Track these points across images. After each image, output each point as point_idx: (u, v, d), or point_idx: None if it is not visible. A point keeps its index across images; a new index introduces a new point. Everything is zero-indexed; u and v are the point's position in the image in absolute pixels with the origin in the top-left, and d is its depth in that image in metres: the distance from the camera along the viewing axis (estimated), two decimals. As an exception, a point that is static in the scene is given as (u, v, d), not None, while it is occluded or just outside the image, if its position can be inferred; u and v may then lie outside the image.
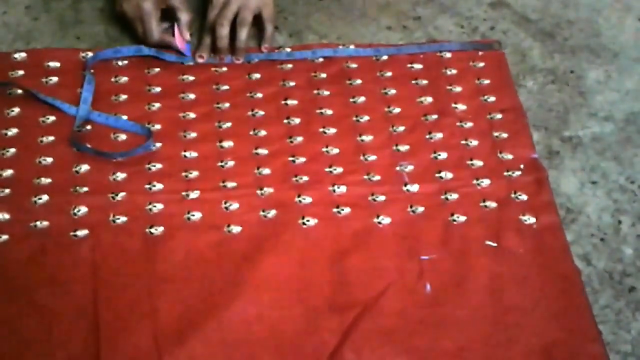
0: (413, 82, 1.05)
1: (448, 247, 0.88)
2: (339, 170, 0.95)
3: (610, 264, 0.90)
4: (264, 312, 0.82)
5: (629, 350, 0.83)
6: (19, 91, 0.99)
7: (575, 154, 1.00)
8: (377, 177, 0.94)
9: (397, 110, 1.02)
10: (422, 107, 1.03)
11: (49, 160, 0.93)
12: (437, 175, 0.95)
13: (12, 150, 0.94)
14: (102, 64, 1.03)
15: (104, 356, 0.78)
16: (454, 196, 0.93)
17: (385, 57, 1.08)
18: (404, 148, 0.98)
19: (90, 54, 1.04)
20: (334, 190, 0.93)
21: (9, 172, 0.91)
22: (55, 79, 1.01)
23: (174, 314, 0.81)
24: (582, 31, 1.16)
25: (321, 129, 0.99)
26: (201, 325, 0.80)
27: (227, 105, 1.01)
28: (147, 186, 0.91)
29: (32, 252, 0.85)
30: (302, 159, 0.95)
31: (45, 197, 0.89)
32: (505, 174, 0.96)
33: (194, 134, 0.97)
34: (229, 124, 0.98)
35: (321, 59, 1.07)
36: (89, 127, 0.97)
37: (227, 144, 0.96)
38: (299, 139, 0.98)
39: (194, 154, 0.95)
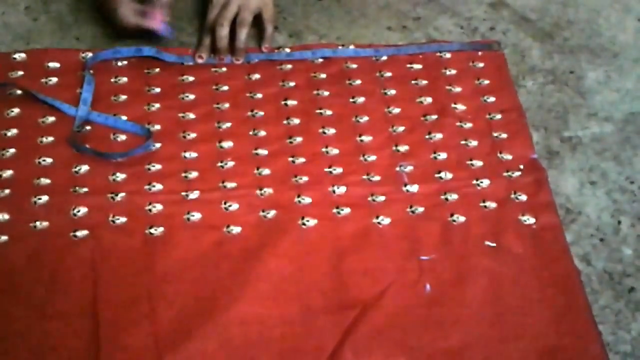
0: (413, 82, 1.05)
1: (448, 248, 0.88)
2: (339, 170, 0.95)
3: (610, 265, 0.90)
4: (263, 312, 0.82)
5: (628, 350, 0.83)
6: (19, 92, 0.99)
7: (574, 154, 1.00)
8: (376, 178, 0.94)
9: (396, 110, 1.02)
10: (422, 107, 1.03)
11: (49, 160, 0.93)
12: (436, 175, 0.95)
13: (12, 150, 0.94)
14: (101, 65, 1.03)
15: (104, 356, 0.78)
16: (453, 196, 0.93)
17: (384, 58, 1.08)
18: (403, 148, 0.98)
19: (89, 54, 1.04)
20: (334, 191, 0.93)
21: (8, 173, 0.91)
22: (54, 79, 1.01)
23: (174, 314, 0.81)
24: (582, 31, 1.16)
25: (321, 130, 0.99)
26: (201, 325, 0.80)
27: (226, 105, 1.01)
28: (147, 187, 0.91)
29: (32, 252, 0.85)
30: (301, 160, 0.96)
31: (45, 198, 0.89)
32: (505, 174, 0.96)
33: (193, 135, 0.97)
34: (228, 125, 0.99)
35: (321, 60, 1.07)
36: (88, 127, 0.97)
37: (227, 144, 0.96)
38: (299, 139, 0.98)
39: (194, 155, 0.95)
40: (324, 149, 0.97)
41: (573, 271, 0.88)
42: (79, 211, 0.88)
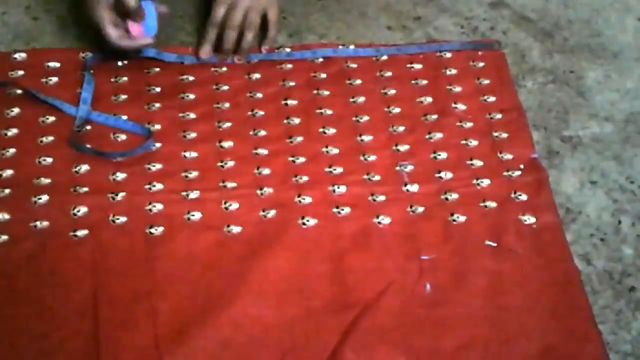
0: (413, 82, 1.05)
1: (448, 247, 0.88)
2: (339, 170, 0.95)
3: (610, 264, 0.90)
4: (263, 312, 0.82)
5: (628, 350, 0.83)
6: (19, 91, 0.99)
7: (575, 154, 1.00)
8: (377, 177, 0.94)
9: (397, 110, 1.02)
10: (422, 107, 1.03)
11: (49, 160, 0.93)
12: (437, 175, 0.95)
13: (12, 150, 0.94)
14: (102, 64, 1.03)
15: (104, 355, 0.78)
16: (453, 196, 0.93)
17: (385, 57, 1.08)
18: (403, 148, 0.98)
19: (90, 54, 1.04)
20: (334, 190, 0.93)
21: (8, 172, 0.91)
22: (55, 79, 1.01)
23: (174, 314, 0.81)
24: (582, 31, 1.16)
25: (321, 129, 0.99)
26: (201, 325, 0.80)
27: (227, 105, 1.01)
28: (147, 186, 0.91)
29: (32, 252, 0.85)
30: (302, 159, 0.95)
31: (45, 197, 0.89)
32: (505, 173, 0.96)
33: (193, 134, 0.97)
34: (228, 124, 0.99)
35: (321, 59, 1.07)
36: (88, 127, 0.97)
37: (227, 144, 0.96)
38: (299, 139, 0.98)
39: (194, 154, 0.95)
40: (324, 149, 0.97)
41: (573, 271, 0.88)
42: (79, 211, 0.88)
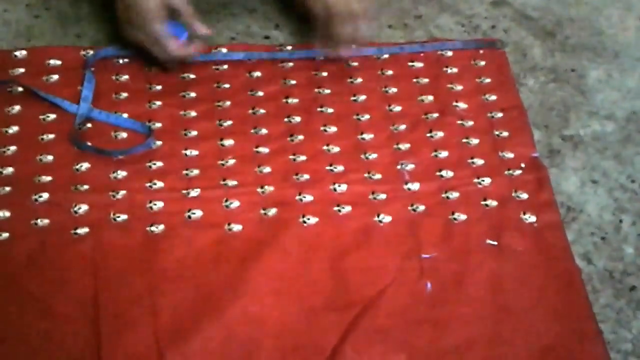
0: (414, 80, 1.05)
1: (449, 246, 0.88)
2: (340, 168, 0.95)
3: (611, 263, 0.90)
4: (264, 310, 0.82)
5: (629, 349, 0.83)
6: (20, 89, 0.99)
7: (576, 153, 1.00)
8: (377, 176, 0.94)
9: (397, 108, 1.02)
10: (423, 105, 1.03)
11: (50, 158, 0.93)
12: (437, 173, 0.95)
13: (13, 148, 0.93)
14: (102, 62, 1.03)
15: (105, 354, 0.78)
16: (454, 195, 0.93)
17: (386, 56, 1.08)
18: (404, 146, 0.98)
19: (91, 52, 1.04)
20: (335, 189, 0.93)
21: (9, 170, 0.91)
22: (56, 76, 1.01)
23: (175, 312, 0.81)
24: (583, 30, 1.16)
25: (322, 128, 0.99)
26: (201, 323, 0.80)
27: (228, 103, 1.00)
28: (148, 184, 0.91)
29: (33, 250, 0.85)
30: (302, 158, 0.95)
31: (45, 195, 0.89)
32: (506, 172, 0.96)
33: (194, 132, 0.97)
34: (229, 122, 0.98)
35: (322, 57, 1.06)
36: (89, 125, 0.97)
37: (228, 142, 0.96)
38: (300, 137, 0.98)
39: (195, 152, 0.95)
40: (325, 147, 0.97)
41: (574, 270, 0.88)
42: (79, 209, 0.88)
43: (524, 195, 0.94)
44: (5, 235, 0.85)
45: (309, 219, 0.90)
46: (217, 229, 0.88)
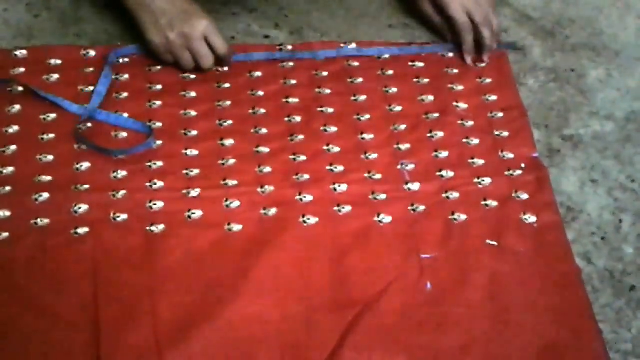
0: (414, 80, 1.05)
1: (449, 246, 0.88)
2: (340, 168, 0.95)
3: (611, 263, 0.90)
4: (264, 310, 0.82)
5: (629, 349, 0.83)
6: (20, 88, 0.99)
7: (576, 153, 1.00)
8: (378, 176, 0.94)
9: (398, 108, 1.02)
10: (424, 105, 1.03)
11: (50, 157, 0.93)
12: (438, 173, 0.95)
13: (13, 147, 0.93)
14: (103, 61, 1.02)
15: (105, 353, 0.78)
16: (454, 195, 0.93)
17: (386, 56, 1.08)
18: (405, 146, 0.98)
19: (91, 51, 1.04)
20: (335, 189, 0.93)
21: (9, 170, 0.91)
22: (56, 76, 1.01)
23: (175, 312, 0.81)
24: (583, 30, 1.16)
25: (322, 128, 0.99)
26: (201, 323, 0.80)
27: (228, 103, 1.01)
28: (148, 184, 0.91)
29: (33, 249, 0.85)
30: (303, 157, 0.95)
31: (45, 195, 0.89)
32: (506, 172, 0.96)
33: (194, 132, 0.97)
34: (230, 122, 0.98)
35: (322, 57, 1.07)
36: (89, 124, 0.97)
37: (228, 142, 0.96)
38: (300, 137, 0.98)
39: (195, 152, 0.95)
40: (325, 147, 0.97)
41: (574, 269, 0.88)
42: (79, 208, 0.88)
43: (524, 196, 0.94)
44: (5, 234, 0.85)
45: (309, 219, 0.90)
46: (217, 228, 0.88)
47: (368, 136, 0.98)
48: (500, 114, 1.02)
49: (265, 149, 0.96)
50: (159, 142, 0.96)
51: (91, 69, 1.02)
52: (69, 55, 1.03)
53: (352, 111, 1.01)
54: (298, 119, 1.00)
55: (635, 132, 1.03)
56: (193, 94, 1.01)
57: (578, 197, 0.96)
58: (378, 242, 0.88)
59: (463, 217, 0.91)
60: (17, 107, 0.97)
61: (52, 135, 0.95)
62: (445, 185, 0.94)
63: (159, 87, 1.01)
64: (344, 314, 0.82)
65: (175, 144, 0.96)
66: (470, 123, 1.01)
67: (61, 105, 0.97)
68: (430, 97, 1.03)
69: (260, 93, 1.02)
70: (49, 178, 0.91)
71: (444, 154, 0.97)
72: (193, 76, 1.03)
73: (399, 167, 0.95)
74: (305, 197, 0.92)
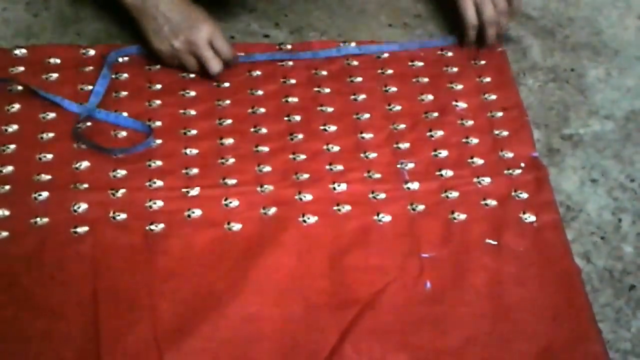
0: (414, 80, 1.05)
1: (448, 245, 0.88)
2: (340, 168, 0.95)
3: (611, 262, 0.90)
4: (264, 309, 0.82)
5: (628, 348, 0.83)
6: (20, 88, 0.99)
7: (575, 152, 1.00)
8: (377, 175, 0.94)
9: (397, 108, 1.02)
10: (423, 104, 1.03)
11: (49, 156, 0.93)
12: (437, 173, 0.95)
13: (12, 146, 0.93)
14: (103, 61, 1.02)
15: (104, 353, 0.78)
16: (454, 194, 0.93)
17: (386, 55, 1.08)
18: (404, 146, 0.98)
19: (90, 50, 1.04)
20: (335, 188, 0.93)
21: (9, 169, 0.91)
22: (55, 75, 1.01)
23: (174, 311, 0.81)
24: (583, 29, 1.16)
25: (322, 127, 0.99)
26: (201, 322, 0.80)
27: (227, 102, 1.00)
28: (148, 183, 0.91)
29: (32, 248, 0.85)
30: (302, 157, 0.95)
31: (45, 194, 0.89)
32: (506, 172, 0.96)
33: (194, 131, 0.97)
34: (229, 121, 0.98)
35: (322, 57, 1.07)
36: (89, 123, 0.96)
37: (228, 141, 0.96)
38: (300, 136, 0.98)
39: (195, 151, 0.95)
40: (324, 147, 0.97)
41: (573, 269, 0.88)
42: (79, 207, 0.88)
43: (524, 195, 0.94)
44: (5, 234, 0.85)
45: (308, 218, 0.89)
46: (217, 228, 0.88)
47: (367, 135, 0.98)
48: (500, 114, 1.02)
49: (264, 148, 0.96)
50: (159, 141, 0.95)
51: (90, 68, 1.02)
52: (69, 54, 1.03)
53: (352, 110, 1.01)
54: (298, 118, 1.00)
55: (634, 131, 1.03)
56: (193, 93, 1.01)
57: (578, 196, 0.96)
58: (377, 241, 0.88)
59: (463, 216, 0.91)
60: (17, 106, 0.97)
61: (51, 135, 0.95)
62: (445, 184, 0.94)
63: (159, 86, 1.01)
64: (344, 313, 0.82)
65: (175, 143, 0.96)
66: (470, 122, 1.01)
67: (60, 104, 0.97)
68: (430, 97, 1.03)
69: (260, 92, 1.02)
70: (48, 177, 0.91)
71: (444, 153, 0.97)
72: (192, 75, 1.03)
73: (398, 166, 0.95)
74: (304, 196, 0.91)
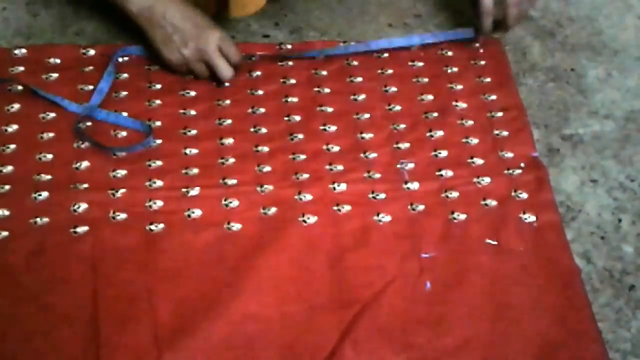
0: (414, 80, 1.05)
1: (448, 245, 0.88)
2: (340, 168, 0.95)
3: (610, 262, 0.90)
4: (263, 309, 0.82)
5: (628, 348, 0.83)
6: (19, 87, 0.99)
7: (575, 152, 1.00)
8: (377, 175, 0.94)
9: (397, 108, 1.02)
10: (423, 104, 1.03)
11: (49, 156, 0.93)
12: (437, 173, 0.95)
13: (12, 146, 0.93)
14: (103, 60, 1.02)
15: (104, 353, 0.78)
16: (454, 194, 0.93)
17: (386, 55, 1.08)
18: (404, 146, 0.98)
19: (91, 50, 1.04)
20: (334, 188, 0.93)
21: (9, 169, 0.91)
22: (55, 75, 1.01)
23: (174, 311, 0.81)
24: (583, 29, 1.16)
25: (322, 127, 0.99)
26: (201, 322, 0.80)
27: (227, 102, 1.00)
28: (147, 183, 0.91)
29: (32, 248, 0.84)
30: (302, 157, 0.95)
31: (45, 194, 0.89)
32: (506, 172, 0.96)
33: (194, 131, 0.97)
34: (229, 121, 0.98)
35: (322, 57, 1.06)
36: (89, 123, 0.96)
37: (228, 141, 0.96)
38: (300, 136, 0.98)
39: (195, 151, 0.95)
40: (324, 147, 0.97)
41: (573, 269, 0.88)
42: (79, 207, 0.88)
43: (524, 195, 0.94)
44: (5, 234, 0.85)
45: (308, 218, 0.89)
46: (217, 228, 0.88)
47: (367, 135, 0.98)
48: (500, 114, 1.02)
49: (264, 148, 0.96)
50: (159, 141, 0.95)
51: (90, 68, 1.02)
52: (69, 54, 1.03)
53: (352, 110, 1.01)
54: (297, 118, 1.00)
55: (634, 131, 1.03)
56: (192, 93, 1.01)
57: (577, 196, 0.96)
58: (377, 241, 0.88)
59: (462, 216, 0.91)
60: (17, 106, 0.97)
61: (51, 134, 0.95)
62: (445, 184, 0.94)
63: (159, 86, 1.01)
64: (344, 313, 0.82)
65: (175, 143, 0.96)
66: (470, 122, 1.01)
67: (60, 104, 0.97)
68: (430, 97, 1.03)
69: (260, 92, 1.02)
70: (48, 177, 0.91)
71: (444, 153, 0.97)
72: (192, 75, 1.03)
73: (398, 166, 0.95)
74: (304, 196, 0.91)
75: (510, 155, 0.98)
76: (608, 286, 0.88)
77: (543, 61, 1.11)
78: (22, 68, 1.01)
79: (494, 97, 1.04)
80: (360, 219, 0.90)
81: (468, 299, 0.84)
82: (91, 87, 1.00)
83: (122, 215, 0.88)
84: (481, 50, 1.09)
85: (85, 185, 0.90)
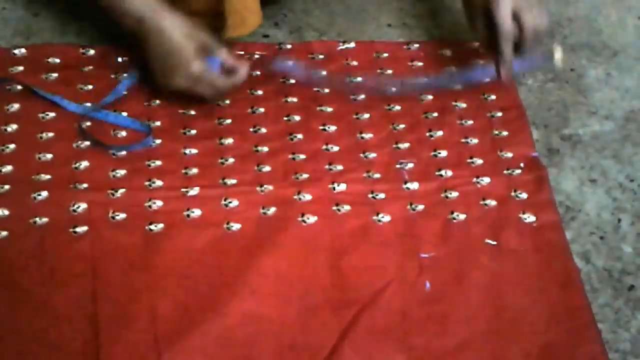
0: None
1: (448, 245, 0.88)
2: (339, 167, 0.95)
3: (610, 263, 0.90)
4: (263, 309, 0.82)
5: (628, 348, 0.83)
6: (19, 87, 0.99)
7: (575, 152, 1.00)
8: (377, 175, 0.94)
9: (397, 108, 1.02)
10: (423, 105, 1.03)
11: (49, 156, 0.93)
12: (437, 173, 0.95)
13: (12, 146, 0.93)
14: (103, 60, 1.02)
15: (104, 353, 0.78)
16: (454, 194, 0.93)
17: (385, 55, 1.08)
18: (404, 146, 0.98)
19: (90, 50, 1.03)
20: (334, 188, 0.93)
21: (8, 169, 0.91)
22: (55, 75, 1.01)
23: (173, 311, 0.81)
24: (582, 29, 1.16)
25: (321, 127, 0.99)
26: (200, 322, 0.80)
27: (227, 102, 1.00)
28: (147, 183, 0.91)
29: (32, 248, 0.84)
30: (302, 157, 0.95)
31: (44, 194, 0.89)
32: (505, 172, 0.96)
33: (193, 131, 0.97)
34: (229, 121, 0.98)
35: (321, 57, 1.06)
36: (89, 123, 0.96)
37: (227, 141, 0.96)
38: (299, 136, 0.98)
39: (194, 151, 0.95)
40: (324, 146, 0.97)
41: (573, 269, 0.88)
42: (78, 207, 0.88)
43: (523, 195, 0.94)
44: (4, 233, 0.85)
45: (308, 218, 0.89)
46: (216, 228, 0.88)
47: (367, 135, 0.98)
48: (500, 114, 1.02)
49: (264, 148, 0.96)
50: (158, 141, 0.95)
51: (90, 68, 1.02)
52: (68, 54, 1.03)
53: (351, 110, 1.01)
54: (297, 118, 1.00)
55: (634, 131, 1.03)
56: (192, 93, 1.01)
57: (577, 196, 0.96)
58: (377, 241, 0.88)
59: (462, 216, 0.91)
60: (16, 105, 0.97)
61: (51, 134, 0.95)
62: (445, 184, 0.94)
63: (158, 86, 1.01)
64: (343, 313, 0.82)
65: (174, 143, 0.95)
66: (470, 122, 1.01)
67: (60, 104, 0.97)
68: (429, 97, 1.03)
69: (259, 92, 1.02)
70: (47, 177, 0.91)
71: (443, 153, 0.97)
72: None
73: (398, 166, 0.95)
74: (304, 196, 0.91)
75: (509, 155, 0.98)
76: (607, 286, 0.88)
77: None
78: (21, 68, 1.01)
79: (493, 97, 1.04)
80: (360, 218, 0.90)
81: (467, 299, 0.84)
82: (91, 86, 0.99)
83: (121, 215, 0.88)
84: (481, 51, 1.09)
85: (85, 185, 0.90)
